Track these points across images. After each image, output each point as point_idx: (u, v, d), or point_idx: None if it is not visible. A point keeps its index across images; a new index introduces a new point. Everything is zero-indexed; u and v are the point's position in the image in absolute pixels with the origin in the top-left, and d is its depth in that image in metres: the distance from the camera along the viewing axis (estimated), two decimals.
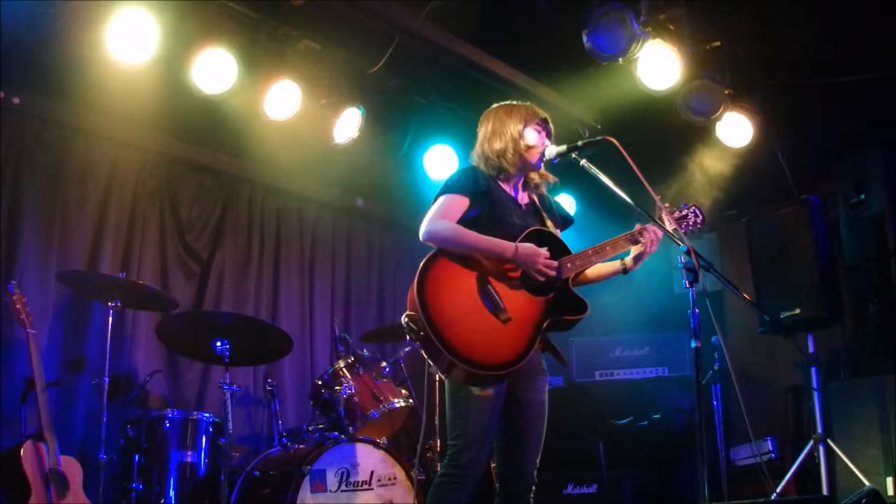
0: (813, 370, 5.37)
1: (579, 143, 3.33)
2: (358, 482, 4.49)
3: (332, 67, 5.22)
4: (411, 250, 6.75)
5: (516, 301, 3.14)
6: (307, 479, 4.32)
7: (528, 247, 3.15)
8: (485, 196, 3.28)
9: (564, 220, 3.54)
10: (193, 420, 4.69)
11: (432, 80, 5.68)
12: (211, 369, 5.54)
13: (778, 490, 5.15)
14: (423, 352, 3.09)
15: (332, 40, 5.09)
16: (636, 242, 3.32)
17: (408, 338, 3.11)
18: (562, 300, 3.21)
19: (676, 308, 3.95)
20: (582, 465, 5.83)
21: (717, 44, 5.25)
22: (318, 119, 5.28)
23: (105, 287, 4.60)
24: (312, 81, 5.13)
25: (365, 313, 6.74)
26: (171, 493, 4.50)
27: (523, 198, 3.43)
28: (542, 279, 3.16)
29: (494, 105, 3.50)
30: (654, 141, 5.71)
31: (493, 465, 3.54)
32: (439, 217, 3.19)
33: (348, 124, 5.32)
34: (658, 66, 5.03)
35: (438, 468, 3.24)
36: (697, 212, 3.41)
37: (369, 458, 4.56)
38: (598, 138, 3.34)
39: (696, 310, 3.05)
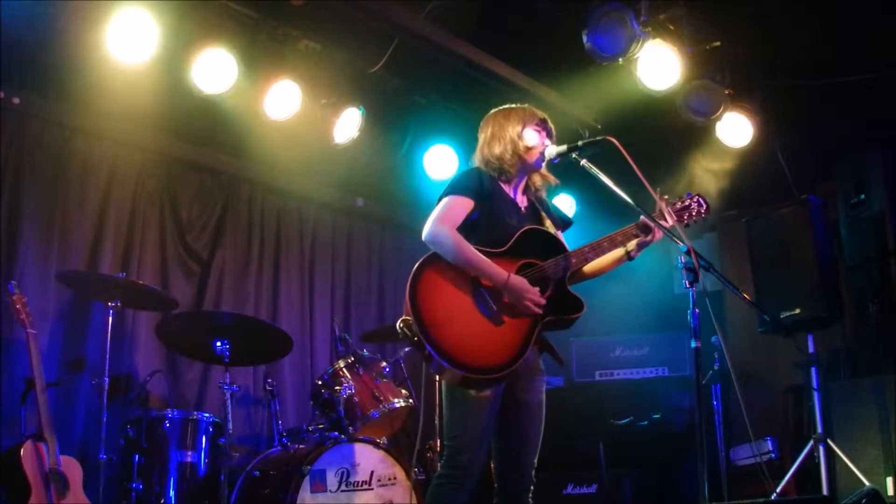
0: (813, 370, 5.37)
1: (579, 143, 3.33)
2: (358, 482, 4.49)
3: (332, 67, 5.22)
4: (411, 250, 6.74)
5: (510, 303, 3.14)
6: (307, 479, 4.32)
7: (520, 281, 3.12)
8: (487, 198, 3.29)
9: (564, 223, 3.54)
10: (193, 420, 4.69)
11: (432, 80, 5.68)
12: (211, 369, 5.54)
13: (778, 490, 5.15)
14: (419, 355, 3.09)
15: (332, 40, 5.09)
16: (634, 237, 3.31)
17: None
18: (558, 299, 3.20)
19: (676, 308, 3.94)
20: (582, 465, 5.83)
21: (717, 44, 5.25)
22: (318, 119, 5.28)
23: (105, 287, 4.60)
24: (312, 81, 5.13)
25: (365, 313, 6.74)
26: (171, 493, 4.50)
27: (523, 201, 3.44)
28: (527, 312, 3.13)
29: (493, 110, 3.51)
30: (654, 141, 5.71)
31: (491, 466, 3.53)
32: (443, 220, 3.18)
33: (348, 124, 5.32)
34: (658, 66, 5.03)
35: (438, 468, 3.24)
36: (701, 201, 3.40)
37: (369, 458, 4.56)
38: (599, 138, 3.34)
39: (696, 310, 3.05)
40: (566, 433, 5.85)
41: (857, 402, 5.08)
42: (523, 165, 3.37)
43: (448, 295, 3.10)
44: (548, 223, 3.41)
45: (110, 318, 4.55)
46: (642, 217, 3.28)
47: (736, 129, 5.57)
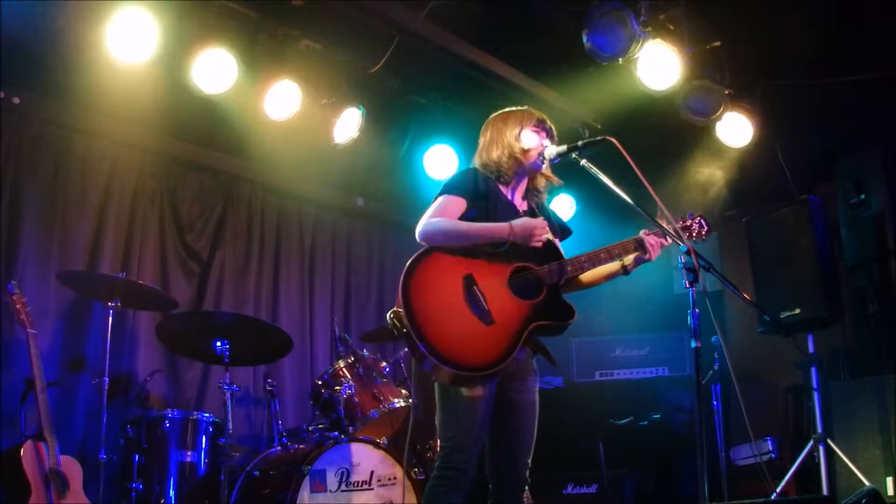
0: (813, 370, 5.37)
1: (579, 143, 3.33)
2: (358, 482, 4.49)
3: (332, 67, 5.22)
4: (411, 250, 6.69)
5: (502, 303, 3.14)
6: (307, 479, 4.32)
7: (522, 221, 3.18)
8: (483, 198, 3.29)
9: (563, 230, 3.55)
10: (193, 420, 4.69)
11: (432, 80, 5.68)
12: (211, 369, 5.54)
13: (778, 490, 5.15)
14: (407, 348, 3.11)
15: (332, 40, 5.09)
16: (633, 252, 3.32)
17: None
18: (549, 305, 3.20)
19: (676, 308, 3.94)
20: (582, 465, 5.83)
21: (717, 44, 5.25)
22: (318, 119, 5.28)
23: (105, 287, 4.60)
24: (312, 81, 5.13)
25: (365, 313, 6.74)
26: (171, 493, 4.50)
27: (522, 204, 3.44)
28: (541, 245, 3.18)
29: (493, 115, 3.51)
30: (654, 141, 5.71)
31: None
32: (434, 216, 3.20)
33: (348, 124, 5.32)
34: (658, 66, 5.03)
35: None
36: (703, 222, 3.40)
37: (369, 458, 4.56)
38: (599, 138, 3.34)
39: (696, 310, 3.05)
40: (566, 433, 5.86)
41: (857, 402, 5.08)
42: (520, 168, 3.37)
43: (441, 290, 3.11)
44: None
45: (110, 318, 4.55)
46: (642, 233, 3.31)
47: (736, 129, 5.57)
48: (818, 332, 5.46)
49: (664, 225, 3.25)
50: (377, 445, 4.63)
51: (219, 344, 4.68)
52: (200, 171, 5.94)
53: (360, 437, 4.64)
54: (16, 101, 4.95)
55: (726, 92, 5.35)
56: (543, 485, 5.50)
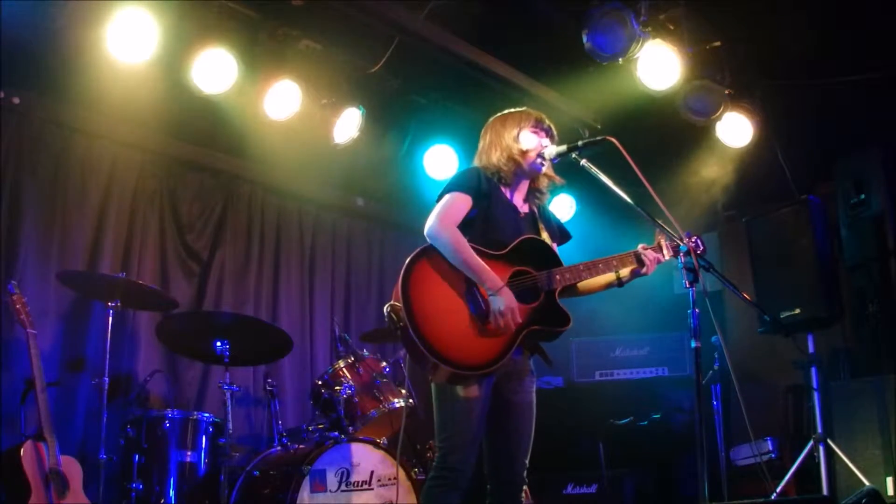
0: (813, 370, 5.37)
1: (579, 143, 3.33)
2: (358, 482, 4.49)
3: (332, 67, 5.22)
4: (411, 250, 6.72)
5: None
6: (307, 479, 4.32)
7: (510, 298, 3.09)
8: (485, 198, 3.29)
9: (563, 235, 3.55)
10: (193, 420, 4.69)
11: (432, 80, 5.68)
12: (211, 369, 5.54)
13: (778, 490, 5.14)
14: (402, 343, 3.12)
15: (332, 40, 5.09)
16: (630, 264, 3.35)
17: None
18: (546, 310, 3.21)
19: (676, 308, 3.94)
20: (582, 465, 5.83)
21: (717, 44, 5.25)
22: (318, 119, 5.28)
23: (105, 287, 4.60)
24: (312, 81, 5.13)
25: (365, 313, 6.74)
26: (171, 493, 4.50)
27: (524, 207, 3.44)
28: (496, 326, 3.10)
29: (493, 117, 3.51)
30: (654, 141, 5.71)
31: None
32: (445, 217, 3.19)
33: (348, 124, 5.32)
34: (658, 66, 5.03)
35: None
36: (699, 242, 3.41)
37: (369, 458, 4.56)
38: (599, 138, 3.35)
39: (696, 310, 3.05)
40: (566, 433, 5.87)
41: (857, 402, 5.08)
42: (519, 169, 3.38)
43: (440, 288, 3.12)
44: (545, 235, 3.41)
45: (110, 318, 4.55)
46: (640, 247, 3.35)
47: (736, 129, 5.57)
48: (818, 332, 5.46)
49: (661, 259, 3.33)
50: (377, 445, 4.63)
51: (219, 344, 4.68)
52: (200, 171, 5.94)
53: (360, 437, 4.64)
54: (16, 101, 4.95)
55: (726, 92, 5.35)
56: (543, 485, 5.50)
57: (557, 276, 3.24)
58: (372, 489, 4.53)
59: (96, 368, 4.90)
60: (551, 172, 3.46)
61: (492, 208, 3.30)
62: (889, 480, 4.77)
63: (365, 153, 5.83)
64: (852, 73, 5.21)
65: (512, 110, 3.49)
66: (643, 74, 5.06)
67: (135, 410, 4.75)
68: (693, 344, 3.04)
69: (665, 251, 3.36)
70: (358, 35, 5.02)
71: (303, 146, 5.65)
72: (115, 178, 5.46)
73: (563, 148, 3.34)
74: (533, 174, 3.42)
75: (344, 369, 4.87)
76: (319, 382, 4.89)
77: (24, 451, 3.90)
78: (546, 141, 3.40)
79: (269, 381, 4.99)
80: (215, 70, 4.67)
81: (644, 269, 3.35)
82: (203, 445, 4.69)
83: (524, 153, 3.35)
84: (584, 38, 4.84)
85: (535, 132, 3.40)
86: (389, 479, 4.57)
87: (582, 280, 3.32)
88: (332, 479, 4.43)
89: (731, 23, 5.13)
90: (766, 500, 4.69)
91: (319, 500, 4.34)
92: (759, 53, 5.36)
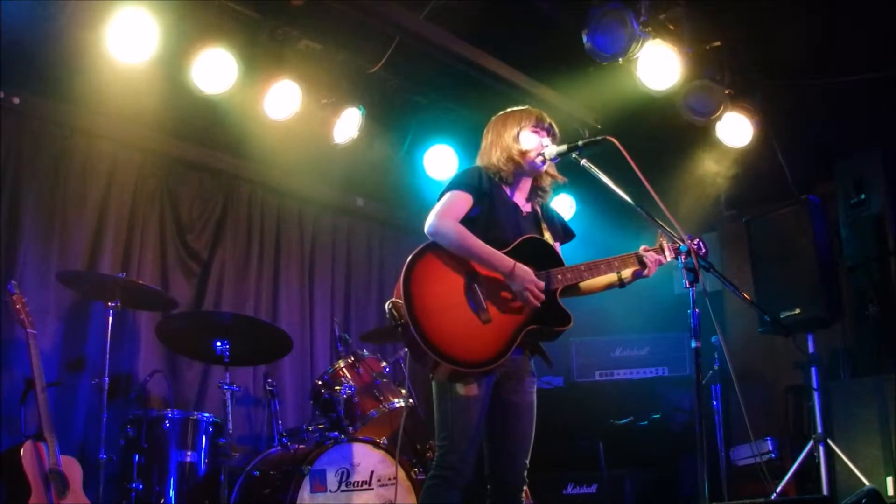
0: (813, 370, 5.37)
1: (579, 142, 3.33)
2: (358, 482, 4.50)
3: (332, 67, 5.22)
4: (411, 250, 6.73)
5: (500, 304, 3.16)
6: (307, 479, 4.32)
7: (526, 270, 3.15)
8: (487, 197, 3.30)
9: (566, 233, 3.55)
10: (193, 420, 4.69)
11: (432, 80, 5.69)
12: (211, 369, 5.54)
13: (778, 490, 5.14)
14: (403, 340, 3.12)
15: (332, 40, 5.10)
16: (632, 265, 3.35)
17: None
18: (547, 310, 3.21)
19: (676, 308, 3.95)
20: (582, 465, 5.83)
21: (717, 44, 5.25)
22: (318, 119, 5.29)
23: (105, 287, 4.60)
24: (312, 81, 5.13)
25: (365, 313, 6.74)
26: (171, 493, 4.50)
27: (526, 206, 3.44)
28: (526, 303, 3.15)
29: (495, 116, 3.52)
30: (654, 141, 5.71)
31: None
32: (445, 214, 3.20)
33: (348, 124, 5.33)
34: (658, 66, 5.03)
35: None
36: (701, 244, 3.42)
37: (369, 458, 4.56)
38: (599, 138, 3.35)
39: (696, 310, 3.05)
40: (566, 433, 5.87)
41: (857, 402, 5.08)
42: (519, 169, 3.38)
43: (441, 285, 3.13)
44: (547, 235, 3.41)
45: (110, 318, 4.55)
46: (641, 249, 3.36)
47: (736, 129, 5.57)
48: (818, 332, 5.46)
49: (663, 260, 3.33)
50: (377, 445, 4.63)
51: (219, 344, 4.68)
52: (200, 171, 5.94)
53: (360, 437, 4.64)
54: (16, 101, 4.95)
55: (726, 92, 5.35)
56: (543, 485, 5.49)
57: (559, 276, 3.24)
58: (372, 489, 4.53)
59: (96, 368, 4.89)
60: (553, 171, 3.46)
61: (493, 207, 3.30)
62: (889, 480, 4.77)
63: (365, 153, 5.83)
64: (852, 73, 5.21)
65: (513, 109, 3.49)
66: (643, 74, 5.06)
67: (135, 410, 4.76)
68: (693, 344, 3.04)
69: (667, 252, 3.37)
70: (358, 35, 5.02)
71: (303, 146, 5.65)
72: (115, 178, 5.46)
73: (564, 148, 3.34)
74: (534, 173, 3.42)
75: (344, 369, 4.87)
76: (319, 382, 4.89)
77: (24, 451, 3.90)
78: (547, 140, 3.40)
79: (269, 381, 4.99)
80: (215, 70, 4.67)
81: (646, 272, 3.36)
82: (203, 445, 4.69)
83: (524, 153, 3.35)
84: (584, 38, 4.85)
85: (535, 131, 3.40)
86: (389, 479, 4.57)
87: (583, 280, 3.33)
88: (332, 479, 4.43)
89: (731, 23, 5.14)
90: (766, 500, 4.69)
91: (319, 500, 4.34)
92: (759, 53, 5.36)
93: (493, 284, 3.17)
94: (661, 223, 3.26)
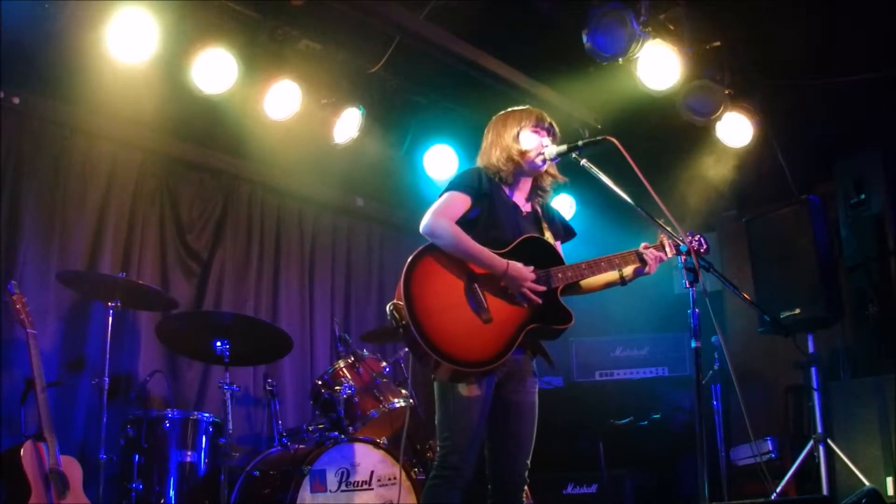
0: (813, 370, 5.37)
1: (579, 142, 3.33)
2: (358, 482, 4.49)
3: (332, 67, 5.22)
4: (411, 250, 6.71)
5: (500, 303, 3.16)
6: (307, 479, 4.32)
7: (519, 267, 3.15)
8: (486, 198, 3.30)
9: (567, 232, 3.56)
10: (193, 420, 4.69)
11: (432, 80, 5.69)
12: (211, 369, 5.54)
13: (778, 490, 5.15)
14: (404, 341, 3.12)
15: (332, 40, 5.09)
16: (633, 263, 3.35)
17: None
18: (548, 308, 3.21)
19: (676, 308, 3.95)
20: (582, 465, 5.84)
21: (717, 44, 5.25)
22: (318, 119, 5.28)
23: (105, 287, 4.60)
24: (312, 81, 5.13)
25: (365, 313, 6.74)
26: (171, 493, 4.50)
27: (526, 206, 3.44)
28: (524, 300, 3.16)
29: (496, 115, 3.52)
30: (654, 141, 5.71)
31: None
32: (441, 213, 3.20)
33: (348, 124, 5.33)
34: (658, 66, 5.03)
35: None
36: (702, 240, 3.42)
37: (369, 458, 4.56)
38: (599, 138, 3.35)
39: (696, 310, 3.05)
40: (566, 433, 5.87)
41: (857, 402, 5.08)
42: (519, 169, 3.38)
43: (441, 286, 3.13)
44: (548, 234, 3.41)
45: (110, 318, 4.55)
46: (641, 246, 3.35)
47: (736, 129, 5.57)
48: (818, 332, 5.46)
49: (663, 257, 3.33)
50: (377, 445, 4.63)
51: (219, 344, 4.68)
52: (200, 171, 5.94)
53: (360, 437, 4.64)
54: (16, 101, 4.95)
55: (726, 92, 5.35)
56: (543, 485, 5.49)
57: (559, 275, 3.25)
58: (372, 489, 4.53)
59: (96, 368, 4.89)
60: (554, 171, 3.46)
61: (493, 208, 3.30)
62: (889, 480, 4.77)
63: (365, 153, 5.83)
64: (852, 73, 5.21)
65: (514, 109, 3.49)
66: (643, 74, 5.06)
67: (135, 410, 4.75)
68: (693, 344, 3.04)
69: (668, 249, 3.36)
70: (358, 35, 5.02)
71: (303, 146, 5.65)
72: (115, 178, 5.45)
73: (564, 148, 3.34)
74: (534, 173, 3.42)
75: (344, 369, 4.86)
76: (319, 382, 4.89)
77: (24, 451, 3.90)
78: (547, 140, 3.39)
79: (269, 381, 4.99)
80: (215, 70, 4.67)
81: (647, 269, 3.35)
82: (203, 445, 4.69)
83: (523, 153, 3.35)
84: (584, 38, 4.85)
85: (535, 131, 3.40)
86: (389, 479, 4.57)
87: (584, 278, 3.33)
88: (332, 479, 4.43)
89: (731, 23, 5.14)
90: (766, 500, 4.69)
91: (319, 500, 4.34)
92: (759, 53, 5.36)
93: (494, 284, 3.17)
94: (661, 223, 3.26)
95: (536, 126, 3.40)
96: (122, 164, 5.50)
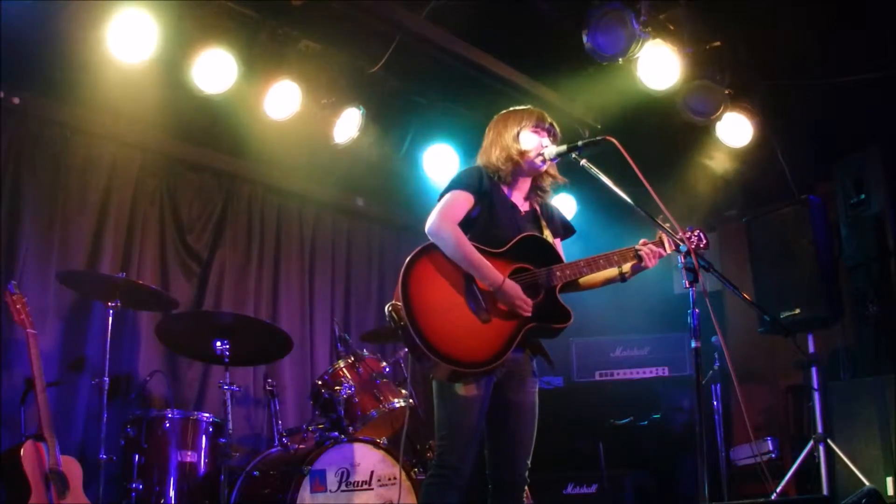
0: (813, 370, 5.37)
1: (579, 142, 3.33)
2: (358, 482, 4.50)
3: (332, 67, 5.22)
4: (411, 250, 6.72)
5: (499, 303, 3.16)
6: (307, 479, 4.33)
7: (514, 287, 3.14)
8: (486, 197, 3.30)
9: (566, 230, 3.56)
10: (193, 420, 4.69)
11: (432, 80, 5.69)
12: (211, 369, 5.54)
13: (778, 490, 5.15)
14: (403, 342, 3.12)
15: (332, 40, 5.10)
16: (631, 259, 3.34)
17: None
18: (547, 307, 3.22)
19: (676, 308, 3.95)
20: (582, 465, 5.84)
21: (717, 44, 5.25)
22: (318, 119, 5.29)
23: (105, 287, 4.60)
24: (312, 81, 5.13)
25: (365, 313, 6.74)
26: (171, 493, 4.49)
27: (524, 205, 3.44)
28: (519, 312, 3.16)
29: (497, 115, 3.52)
30: (654, 141, 5.71)
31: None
32: (446, 216, 3.20)
33: (348, 124, 5.33)
34: (658, 66, 5.03)
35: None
36: (702, 235, 3.42)
37: (369, 458, 4.56)
38: (599, 138, 3.34)
39: (696, 310, 3.05)
40: (566, 433, 5.87)
41: (857, 402, 5.08)
42: (518, 169, 3.38)
43: (440, 287, 3.13)
44: (546, 232, 3.42)
45: (110, 318, 4.55)
46: (640, 242, 3.35)
47: (736, 129, 5.57)
48: (818, 332, 5.46)
49: (663, 253, 3.32)
50: (377, 445, 4.63)
51: (219, 344, 4.68)
52: (200, 171, 5.94)
53: (360, 437, 4.64)
54: (16, 101, 4.95)
55: (726, 92, 5.35)
56: (543, 485, 5.50)
57: (558, 273, 3.25)
58: (372, 489, 4.53)
59: (96, 368, 4.90)
60: (554, 171, 3.46)
61: (492, 207, 3.31)
62: (889, 480, 4.77)
63: (365, 153, 5.83)
64: (852, 73, 5.21)
65: (514, 109, 3.49)
66: (643, 74, 5.07)
67: (135, 410, 4.75)
68: (693, 344, 3.04)
69: (666, 245, 3.35)
70: (358, 35, 5.02)
71: (303, 146, 5.65)
72: (115, 178, 5.45)
73: (563, 148, 3.34)
74: (533, 173, 3.42)
75: (344, 369, 4.87)
76: (319, 382, 4.89)
77: (24, 451, 3.90)
78: (547, 140, 3.40)
79: (269, 381, 4.99)
80: (215, 70, 4.68)
81: (644, 263, 3.34)
82: (203, 445, 4.68)
83: (523, 153, 3.36)
84: (584, 38, 4.85)
85: (535, 131, 3.40)
86: (389, 479, 4.57)
87: (583, 276, 3.33)
88: (332, 479, 4.43)
89: (731, 23, 5.14)
90: (766, 500, 4.69)
91: (319, 500, 4.35)
92: (759, 53, 5.36)
93: None
94: (661, 223, 3.26)
95: (537, 126, 3.40)
96: (122, 163, 5.50)
